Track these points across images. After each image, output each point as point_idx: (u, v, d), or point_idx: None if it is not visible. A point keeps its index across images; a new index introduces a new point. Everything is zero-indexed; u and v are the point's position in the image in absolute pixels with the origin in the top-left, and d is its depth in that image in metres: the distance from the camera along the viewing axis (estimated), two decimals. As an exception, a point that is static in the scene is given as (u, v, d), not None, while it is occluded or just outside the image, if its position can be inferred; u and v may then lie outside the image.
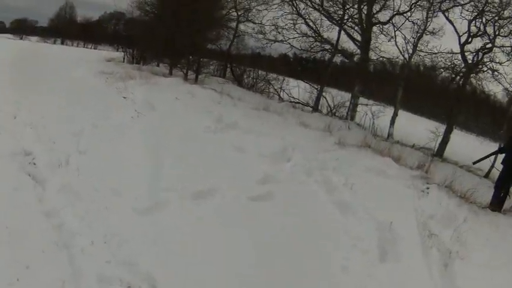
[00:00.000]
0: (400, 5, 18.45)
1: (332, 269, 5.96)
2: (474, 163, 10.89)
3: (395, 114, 17.53)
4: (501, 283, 6.42)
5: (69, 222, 6.33)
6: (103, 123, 10.67)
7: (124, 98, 13.43)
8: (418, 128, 17.77)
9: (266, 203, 7.57)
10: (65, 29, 79.42)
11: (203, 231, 6.46)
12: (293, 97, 20.36)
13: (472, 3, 16.80)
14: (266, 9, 21.61)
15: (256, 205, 7.47)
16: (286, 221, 6.97)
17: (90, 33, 75.97)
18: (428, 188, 8.76)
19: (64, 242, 5.82)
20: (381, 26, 19.25)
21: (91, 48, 71.26)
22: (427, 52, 18.52)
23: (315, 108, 19.56)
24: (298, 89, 20.62)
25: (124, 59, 29.25)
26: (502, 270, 6.70)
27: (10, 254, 5.33)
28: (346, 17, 20.04)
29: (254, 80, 22.67)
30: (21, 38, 76.56)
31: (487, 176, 14.19)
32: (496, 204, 9.48)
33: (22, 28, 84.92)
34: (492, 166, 13.64)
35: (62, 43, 77.73)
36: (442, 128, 17.05)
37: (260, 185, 8.27)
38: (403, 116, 18.96)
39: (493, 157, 11.43)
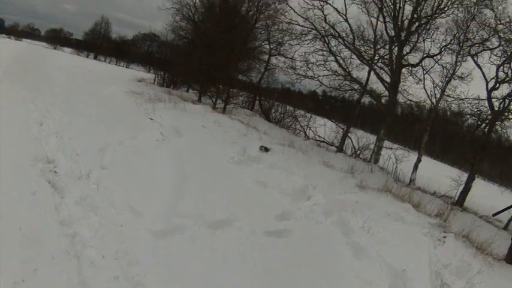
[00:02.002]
0: (431, 47, 18.47)
1: None
2: (494, 215, 10.86)
3: (418, 160, 17.37)
4: None
5: (82, 233, 6.50)
6: (128, 142, 10.83)
7: (151, 119, 13.55)
8: (440, 175, 17.64)
9: (282, 240, 7.60)
10: (99, 44, 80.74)
11: (215, 261, 6.53)
12: (319, 135, 20.23)
13: (501, 48, 16.73)
14: (298, 43, 21.53)
15: (272, 241, 7.50)
16: (300, 259, 7.01)
17: (123, 51, 77.02)
18: (445, 237, 8.70)
19: (75, 252, 5.97)
20: (410, 68, 19.21)
21: (123, 66, 72.15)
22: (454, 97, 18.32)
23: (340, 149, 19.44)
24: (324, 127, 20.55)
25: (155, 80, 29.55)
26: None
27: (20, 254, 5.48)
28: (376, 57, 20.04)
29: (281, 115, 22.57)
30: (55, 48, 77.92)
31: (506, 227, 14.06)
32: None
33: (57, 38, 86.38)
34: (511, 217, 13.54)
35: (95, 58, 78.89)
36: (464, 176, 16.91)
37: (278, 221, 8.31)
38: (427, 162, 18.81)
39: None
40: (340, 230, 8.26)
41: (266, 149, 12.61)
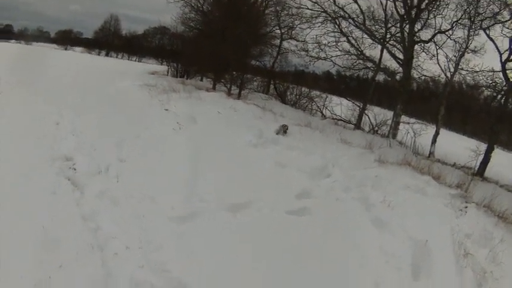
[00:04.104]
0: (442, 23, 18.31)
1: (365, 285, 5.99)
2: None
3: (436, 133, 17.26)
4: None
5: (105, 226, 6.56)
6: (144, 134, 10.93)
7: (166, 110, 13.61)
8: (459, 147, 17.55)
9: (303, 218, 7.60)
10: (110, 41, 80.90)
11: (237, 243, 6.55)
12: (335, 114, 20.27)
13: (513, 20, 16.60)
14: (309, 27, 21.49)
15: (293, 219, 7.51)
16: (322, 236, 7.00)
17: (134, 46, 77.12)
18: (466, 207, 8.62)
19: (99, 245, 6.03)
20: (422, 45, 19.11)
21: (135, 61, 72.32)
22: (468, 70, 18.29)
23: (357, 126, 19.44)
24: (340, 106, 20.60)
25: (168, 72, 29.63)
26: None
27: (45, 252, 5.54)
28: (388, 36, 20.01)
29: (297, 97, 22.57)
30: (65, 48, 78.21)
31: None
32: None
33: (67, 38, 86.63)
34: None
35: (107, 55, 79.16)
36: (483, 147, 16.82)
37: (298, 200, 8.29)
38: (445, 134, 18.70)
39: None
40: (361, 204, 8.23)
41: (285, 129, 12.60)
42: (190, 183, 8.34)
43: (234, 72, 21.51)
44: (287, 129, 12.78)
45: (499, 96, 18.13)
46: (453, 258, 6.87)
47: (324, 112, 21.24)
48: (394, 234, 7.24)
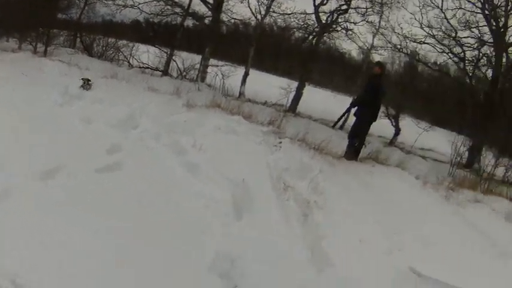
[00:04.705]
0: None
1: (190, 233, 5.76)
2: (333, 127, 11.17)
3: (246, 74, 17.71)
4: (363, 229, 6.55)
5: None
6: None
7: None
8: (270, 86, 18.00)
9: (114, 174, 7.11)
10: None
11: (52, 212, 5.81)
12: (142, 63, 20.10)
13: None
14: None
15: (104, 177, 6.97)
16: (137, 190, 6.60)
17: None
18: (280, 143, 8.66)
19: None
20: (232, -13, 19.18)
21: None
22: (280, 13, 18.85)
23: (165, 72, 19.39)
24: (148, 54, 20.41)
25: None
26: (363, 216, 6.89)
27: None
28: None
29: (104, 48, 21.90)
30: None
31: (341, 127, 14.47)
32: (352, 154, 9.75)
33: None
34: (345, 119, 13.83)
35: None
36: (295, 85, 17.28)
37: (108, 156, 7.76)
38: (256, 75, 19.16)
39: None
40: (172, 151, 7.96)
41: (88, 82, 11.87)
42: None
43: (41, 29, 20.11)
44: (90, 82, 12.01)
45: (311, 37, 19.12)
46: (273, 193, 6.91)
47: (131, 61, 20.95)
48: (210, 177, 7.05)
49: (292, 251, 5.81)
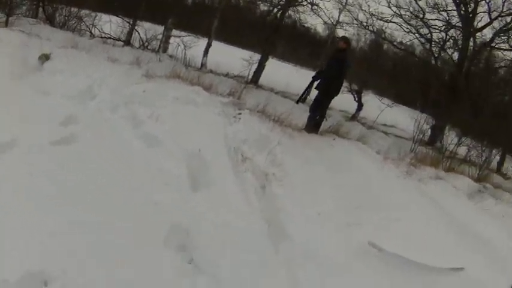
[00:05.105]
0: None
1: (145, 206, 5.66)
2: (297, 102, 11.08)
3: (209, 45, 17.54)
4: (321, 202, 6.58)
5: None
6: None
7: None
8: (233, 58, 17.84)
9: (70, 146, 6.92)
10: None
11: (6, 186, 5.61)
12: (104, 33, 19.66)
13: None
14: None
15: (59, 149, 6.78)
16: (93, 162, 6.46)
17: None
18: (240, 114, 8.53)
19: None
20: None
21: None
22: None
23: (127, 43, 19.12)
24: (110, 24, 19.95)
25: None
26: (322, 190, 6.89)
27: None
28: None
29: (66, 18, 21.07)
30: None
31: (304, 101, 14.43)
32: (313, 127, 9.66)
33: None
34: (308, 93, 13.80)
35: None
36: (258, 57, 17.14)
37: (64, 128, 7.52)
38: (219, 46, 18.99)
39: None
40: (129, 123, 7.76)
41: (46, 57, 11.52)
42: None
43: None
44: (49, 54, 11.66)
45: (275, 10, 18.59)
46: (230, 164, 6.85)
47: (92, 31, 20.41)
48: (166, 148, 6.96)
49: (249, 224, 5.77)
